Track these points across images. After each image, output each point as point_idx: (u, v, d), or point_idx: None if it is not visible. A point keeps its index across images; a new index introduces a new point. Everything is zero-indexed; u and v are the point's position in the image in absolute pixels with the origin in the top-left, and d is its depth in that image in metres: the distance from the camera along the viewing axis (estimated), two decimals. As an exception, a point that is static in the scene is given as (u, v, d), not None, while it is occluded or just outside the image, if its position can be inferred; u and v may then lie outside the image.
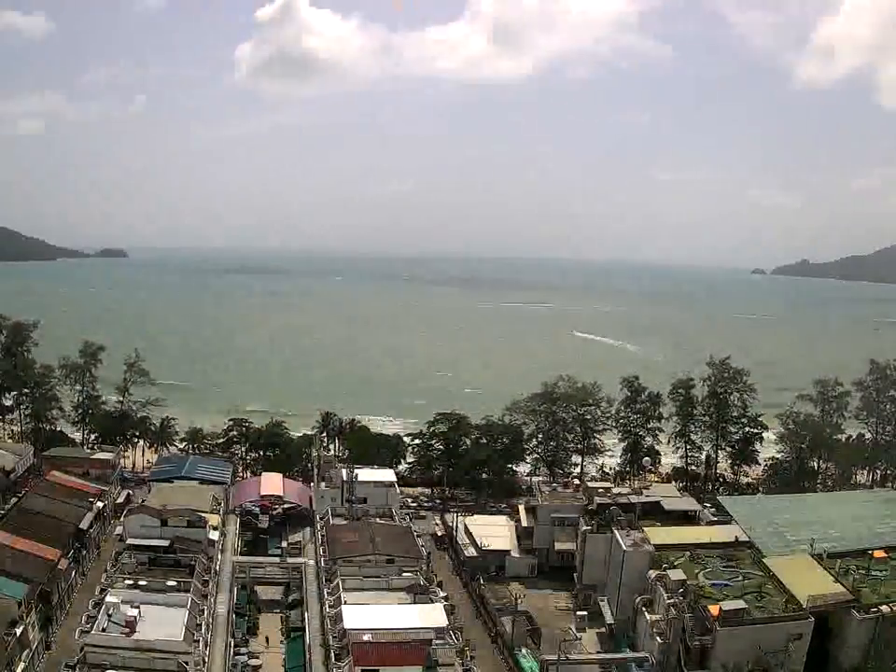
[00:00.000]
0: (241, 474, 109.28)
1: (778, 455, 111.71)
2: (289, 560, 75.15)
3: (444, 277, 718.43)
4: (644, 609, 62.48)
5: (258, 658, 61.57)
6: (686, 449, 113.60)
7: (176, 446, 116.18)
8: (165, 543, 68.66)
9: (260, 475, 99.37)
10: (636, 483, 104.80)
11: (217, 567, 69.42)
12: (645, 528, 70.35)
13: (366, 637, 55.13)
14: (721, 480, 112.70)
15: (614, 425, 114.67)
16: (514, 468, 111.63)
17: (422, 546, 76.16)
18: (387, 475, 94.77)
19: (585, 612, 69.96)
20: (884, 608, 55.58)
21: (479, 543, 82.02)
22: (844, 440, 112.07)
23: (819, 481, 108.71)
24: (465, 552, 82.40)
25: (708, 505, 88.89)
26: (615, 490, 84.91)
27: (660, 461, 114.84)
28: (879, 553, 62.97)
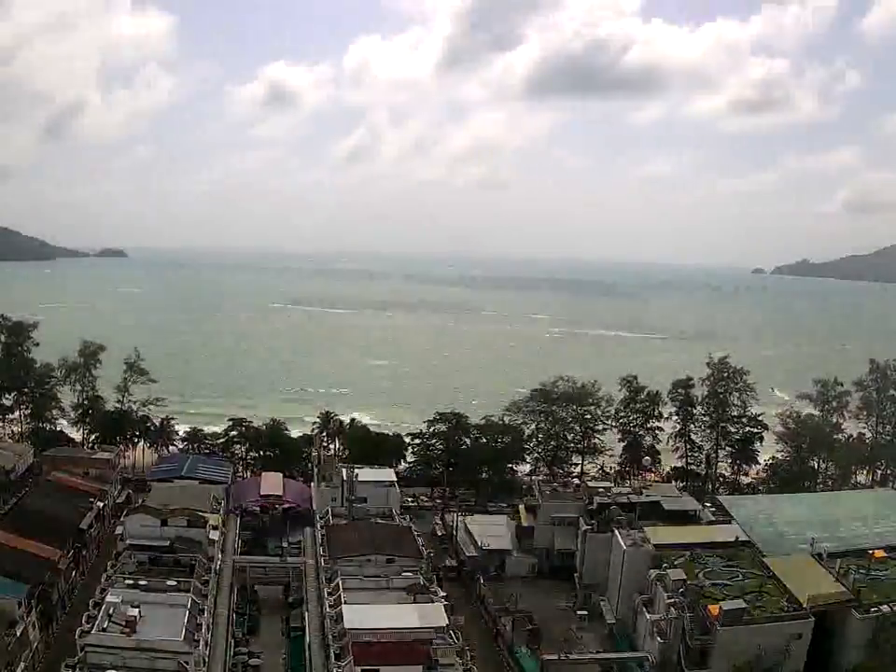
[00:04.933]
0: (241, 474, 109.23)
1: (778, 455, 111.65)
2: (289, 560, 75.10)
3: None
4: (644, 608, 62.52)
5: (258, 658, 61.58)
6: (686, 449, 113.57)
7: (176, 446, 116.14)
8: (165, 543, 68.56)
9: (260, 475, 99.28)
10: (636, 482, 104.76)
11: (217, 567, 69.35)
12: (645, 528, 70.40)
13: (366, 637, 55.10)
14: (721, 480, 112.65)
15: (614, 424, 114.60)
16: (514, 467, 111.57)
17: (422, 546, 76.20)
18: (387, 475, 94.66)
19: (585, 612, 70.05)
20: (884, 608, 55.66)
21: (479, 543, 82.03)
22: (844, 439, 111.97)
23: (819, 481, 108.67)
24: (465, 552, 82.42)
25: (708, 505, 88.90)
26: (615, 490, 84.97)
27: (660, 461, 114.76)
28: (879, 553, 63.08)
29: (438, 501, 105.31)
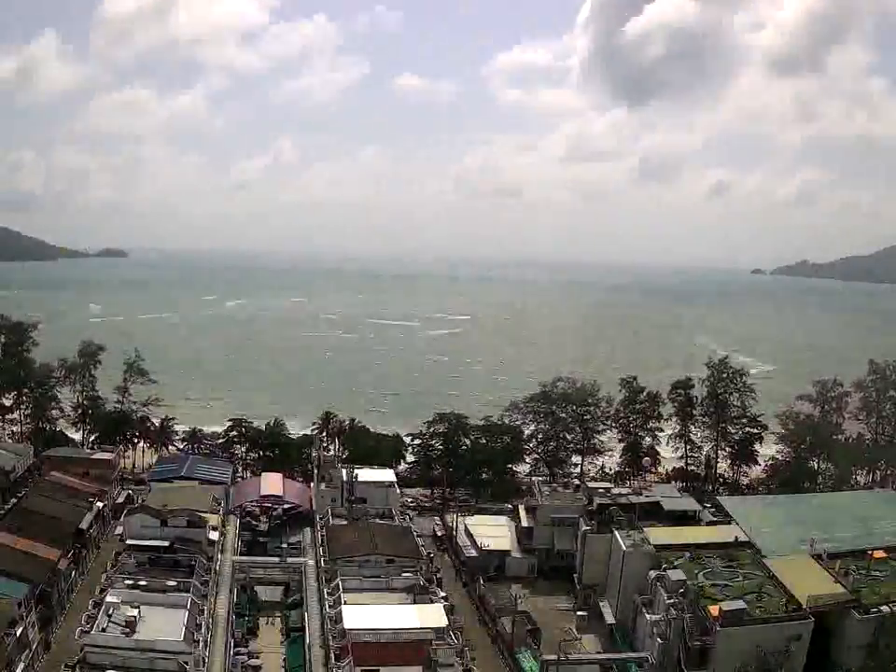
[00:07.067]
0: (241, 474, 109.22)
1: (778, 455, 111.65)
2: (289, 560, 75.10)
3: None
4: (644, 609, 62.51)
5: (258, 658, 61.58)
6: (686, 449, 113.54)
7: (176, 446, 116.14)
8: (165, 543, 68.64)
9: (260, 475, 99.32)
10: (636, 483, 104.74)
11: (217, 568, 69.43)
12: (645, 528, 70.39)
13: (366, 638, 55.16)
14: (720, 480, 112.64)
15: (614, 425, 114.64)
16: (514, 468, 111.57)
17: (422, 546, 76.21)
18: (387, 475, 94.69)
19: (585, 612, 70.06)
20: (884, 608, 55.63)
21: (479, 544, 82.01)
22: (844, 440, 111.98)
23: (818, 481, 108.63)
24: (465, 552, 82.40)
25: (708, 505, 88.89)
26: (615, 490, 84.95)
27: (660, 461, 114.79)
28: (879, 554, 62.99)
29: (437, 502, 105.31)
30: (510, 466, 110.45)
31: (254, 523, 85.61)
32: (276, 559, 75.89)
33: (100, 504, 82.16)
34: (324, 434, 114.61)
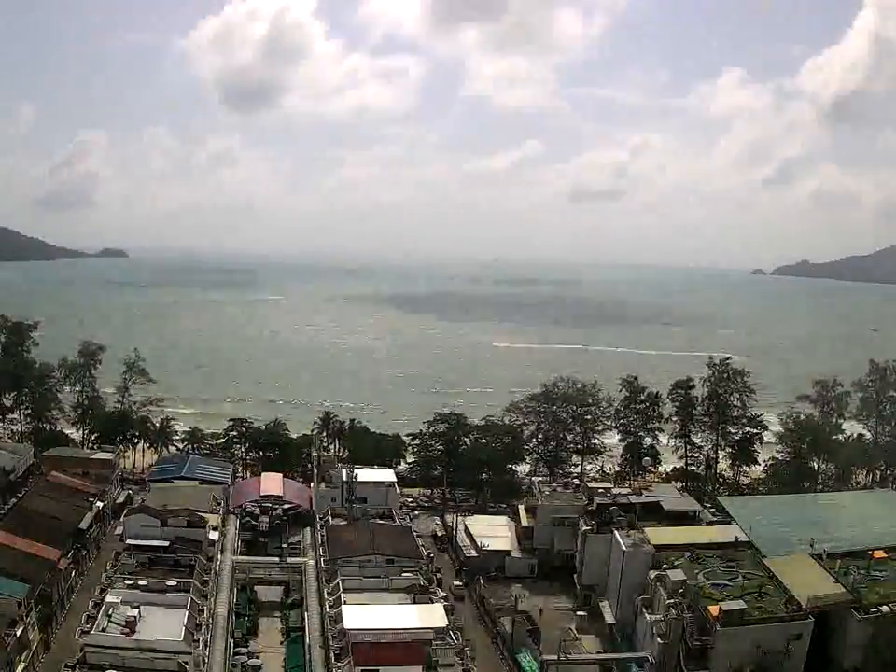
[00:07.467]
0: (241, 474, 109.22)
1: (778, 456, 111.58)
2: (289, 560, 75.11)
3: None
4: (644, 609, 62.47)
5: (258, 658, 61.56)
6: (686, 449, 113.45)
7: (176, 446, 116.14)
8: (165, 543, 68.63)
9: (260, 475, 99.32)
10: (636, 483, 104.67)
11: (217, 568, 69.40)
12: (645, 528, 70.35)
13: (366, 638, 55.13)
14: (721, 480, 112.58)
15: (614, 425, 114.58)
16: (514, 468, 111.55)
17: (422, 546, 76.18)
18: (387, 475, 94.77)
19: (585, 612, 70.03)
20: (884, 608, 55.61)
21: (479, 544, 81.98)
22: (844, 440, 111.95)
23: (818, 481, 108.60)
24: (465, 552, 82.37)
25: (708, 505, 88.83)
26: (615, 490, 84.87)
27: (660, 461, 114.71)
28: (879, 554, 62.95)
29: (437, 502, 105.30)
30: (510, 466, 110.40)
31: (254, 523, 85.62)
32: (276, 559, 75.92)
33: (100, 504, 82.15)
34: (324, 434, 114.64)
